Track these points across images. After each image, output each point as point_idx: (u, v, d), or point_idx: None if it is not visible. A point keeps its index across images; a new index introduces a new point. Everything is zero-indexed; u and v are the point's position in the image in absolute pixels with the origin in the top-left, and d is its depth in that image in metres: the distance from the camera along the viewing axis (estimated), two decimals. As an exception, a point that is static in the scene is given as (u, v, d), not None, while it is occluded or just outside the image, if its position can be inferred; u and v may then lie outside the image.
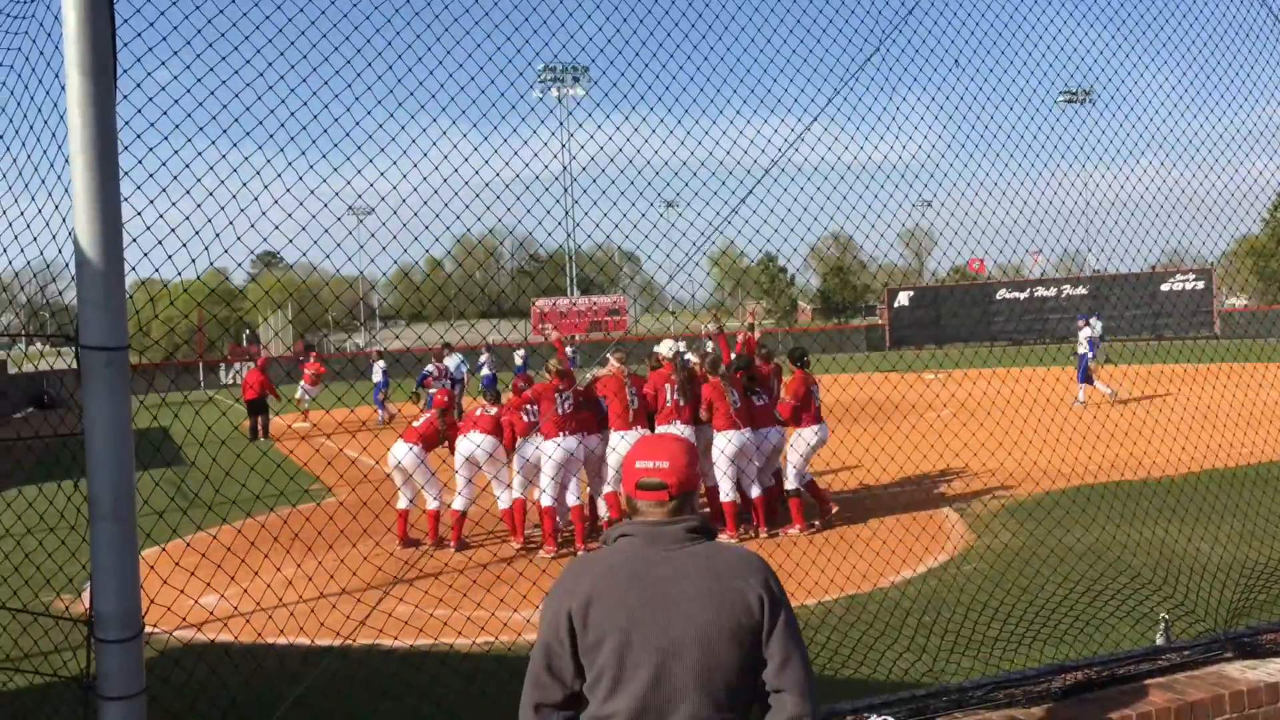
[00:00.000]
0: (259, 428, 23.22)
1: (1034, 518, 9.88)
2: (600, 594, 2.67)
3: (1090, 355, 22.00)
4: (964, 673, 6.00)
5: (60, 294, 3.92)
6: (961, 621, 6.77)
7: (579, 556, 2.84)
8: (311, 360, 26.15)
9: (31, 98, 3.71)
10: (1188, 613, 6.60)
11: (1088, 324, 22.94)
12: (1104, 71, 6.78)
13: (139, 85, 3.60)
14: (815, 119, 5.61)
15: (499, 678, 5.93)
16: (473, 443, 10.85)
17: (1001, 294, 51.22)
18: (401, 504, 11.25)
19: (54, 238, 3.65)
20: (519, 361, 32.25)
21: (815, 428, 11.22)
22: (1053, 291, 50.08)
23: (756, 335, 12.59)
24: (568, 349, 11.51)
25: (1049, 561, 7.84)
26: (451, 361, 24.27)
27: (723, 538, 10.62)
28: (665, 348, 11.28)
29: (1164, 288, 47.38)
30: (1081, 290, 48.63)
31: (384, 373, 26.43)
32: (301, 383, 25.80)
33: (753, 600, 2.63)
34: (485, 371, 24.15)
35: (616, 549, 2.78)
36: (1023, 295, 50.71)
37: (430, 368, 23.92)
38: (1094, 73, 6.78)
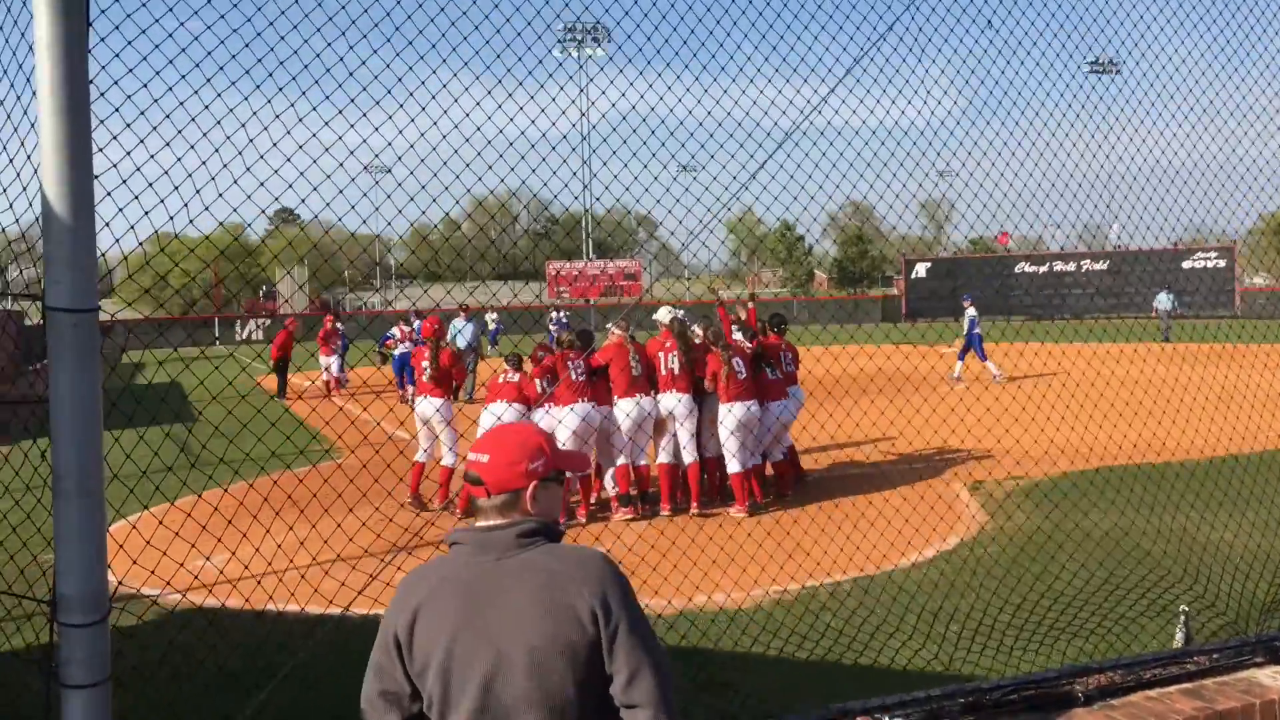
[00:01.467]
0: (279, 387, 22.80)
1: (1050, 499, 9.64)
2: (425, 612, 2.43)
3: (976, 334, 22.02)
4: (974, 663, 5.81)
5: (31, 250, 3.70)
6: (970, 609, 6.57)
7: (415, 568, 2.61)
8: (327, 326, 24.93)
9: (6, 40, 3.50)
10: (1208, 605, 6.39)
11: (971, 304, 22.80)
12: (1130, 36, 6.43)
13: (117, 28, 3.37)
14: (841, 80, 5.32)
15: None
16: (496, 413, 10.26)
17: (1020, 267, 50.56)
18: (419, 457, 11.19)
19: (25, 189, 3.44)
20: (492, 326, 31.22)
21: (793, 389, 11.45)
22: (1072, 266, 49.38)
23: (752, 305, 12.63)
24: (555, 320, 11.45)
25: (1064, 547, 7.62)
26: (462, 325, 21.86)
27: (733, 511, 10.43)
28: (664, 314, 11.00)
29: (1185, 265, 46.72)
30: (1101, 265, 47.98)
31: (343, 337, 25.48)
32: (321, 357, 24.29)
33: (584, 613, 2.35)
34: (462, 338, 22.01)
35: (449, 559, 2.52)
36: (1042, 269, 50.05)
37: (394, 330, 23.01)
38: (1119, 39, 6.43)
